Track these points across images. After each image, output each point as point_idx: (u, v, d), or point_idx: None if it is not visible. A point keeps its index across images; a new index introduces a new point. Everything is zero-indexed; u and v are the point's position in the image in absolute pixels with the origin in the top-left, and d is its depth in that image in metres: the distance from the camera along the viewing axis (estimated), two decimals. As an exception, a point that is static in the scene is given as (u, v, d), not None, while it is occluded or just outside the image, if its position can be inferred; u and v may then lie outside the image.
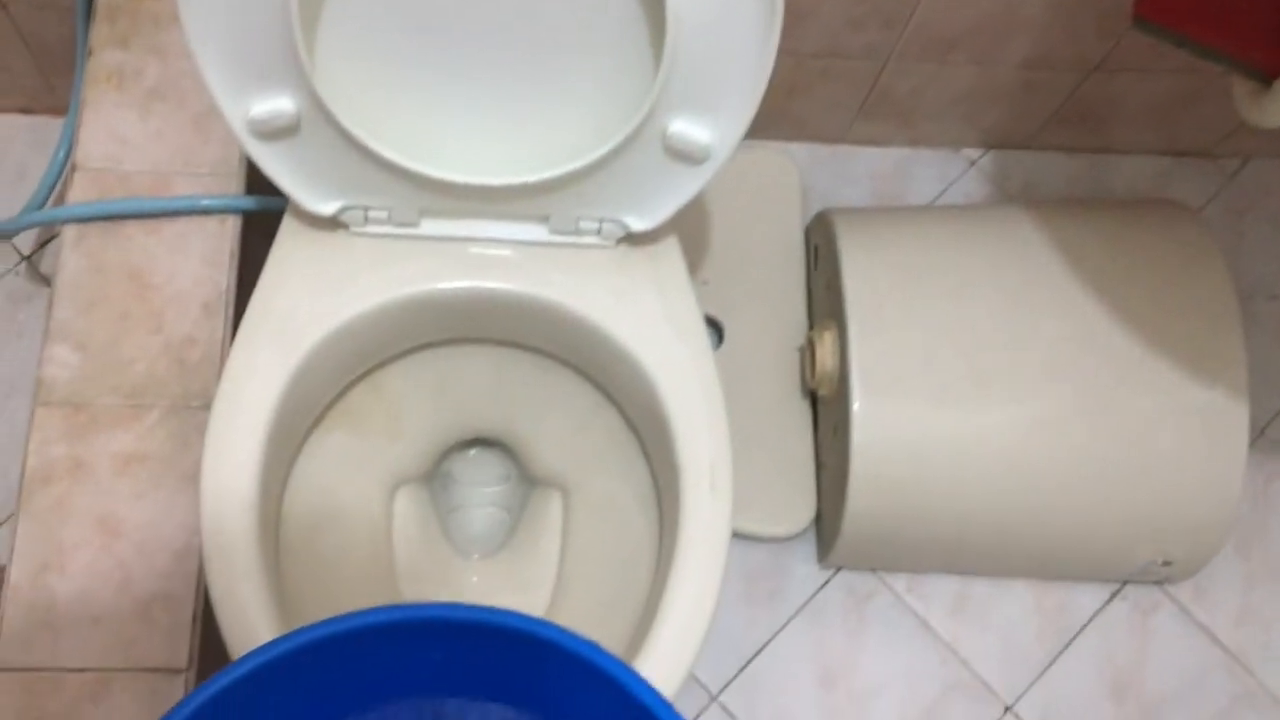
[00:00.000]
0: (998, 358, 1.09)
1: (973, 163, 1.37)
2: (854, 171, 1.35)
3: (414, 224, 0.87)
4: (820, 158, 1.35)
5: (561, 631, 0.69)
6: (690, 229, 1.26)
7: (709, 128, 0.80)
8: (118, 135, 1.01)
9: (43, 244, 1.24)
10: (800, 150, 1.35)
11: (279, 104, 0.77)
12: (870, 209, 1.30)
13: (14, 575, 0.90)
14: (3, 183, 1.26)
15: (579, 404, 0.98)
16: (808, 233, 1.29)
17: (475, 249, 0.89)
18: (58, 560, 0.90)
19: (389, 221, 0.87)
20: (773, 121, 1.30)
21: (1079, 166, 1.38)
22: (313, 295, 0.86)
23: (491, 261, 0.89)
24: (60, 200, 1.02)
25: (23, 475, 0.92)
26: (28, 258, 1.24)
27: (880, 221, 1.20)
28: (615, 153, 0.80)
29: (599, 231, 0.88)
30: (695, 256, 1.26)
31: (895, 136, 1.35)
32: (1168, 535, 1.13)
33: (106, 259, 0.98)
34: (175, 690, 0.88)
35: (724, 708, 1.16)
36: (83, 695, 0.87)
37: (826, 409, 1.19)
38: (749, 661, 1.18)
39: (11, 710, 0.86)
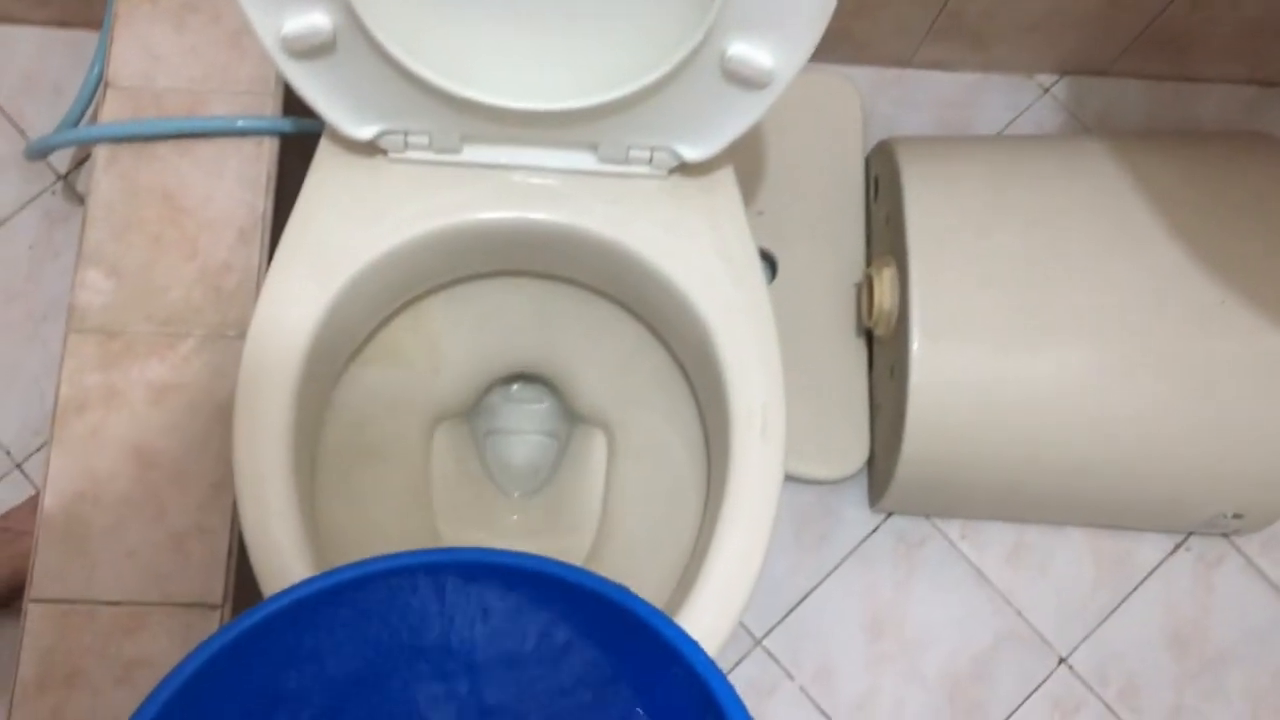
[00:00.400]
0: (1067, 298, 1.04)
1: (1046, 89, 1.30)
2: (919, 98, 1.29)
3: (455, 150, 0.83)
4: (884, 82, 1.29)
5: (598, 579, 0.67)
6: (745, 157, 1.20)
7: (771, 50, 0.74)
8: (151, 51, 0.97)
9: (79, 163, 1.21)
10: (862, 74, 1.28)
11: (313, 20, 0.72)
12: (935, 138, 1.24)
13: (48, 504, 0.88)
14: (39, 99, 1.23)
15: (625, 340, 0.94)
16: (868, 162, 1.23)
17: (519, 178, 0.84)
18: (92, 491, 0.89)
19: (429, 148, 0.82)
20: (835, 43, 1.23)
21: (1161, 95, 1.30)
22: (350, 224, 0.83)
23: (536, 191, 0.84)
24: (94, 119, 0.98)
25: (56, 403, 0.90)
26: (64, 177, 1.21)
27: (946, 152, 1.13)
28: (670, 77, 0.75)
29: (650, 161, 0.83)
30: (749, 186, 1.21)
31: (965, 60, 1.28)
32: (1240, 487, 1.08)
33: (139, 181, 0.95)
34: (210, 626, 0.87)
35: (768, 652, 1.13)
36: (116, 629, 0.86)
37: (883, 349, 1.15)
38: (795, 607, 1.15)
39: (46, 642, 0.85)
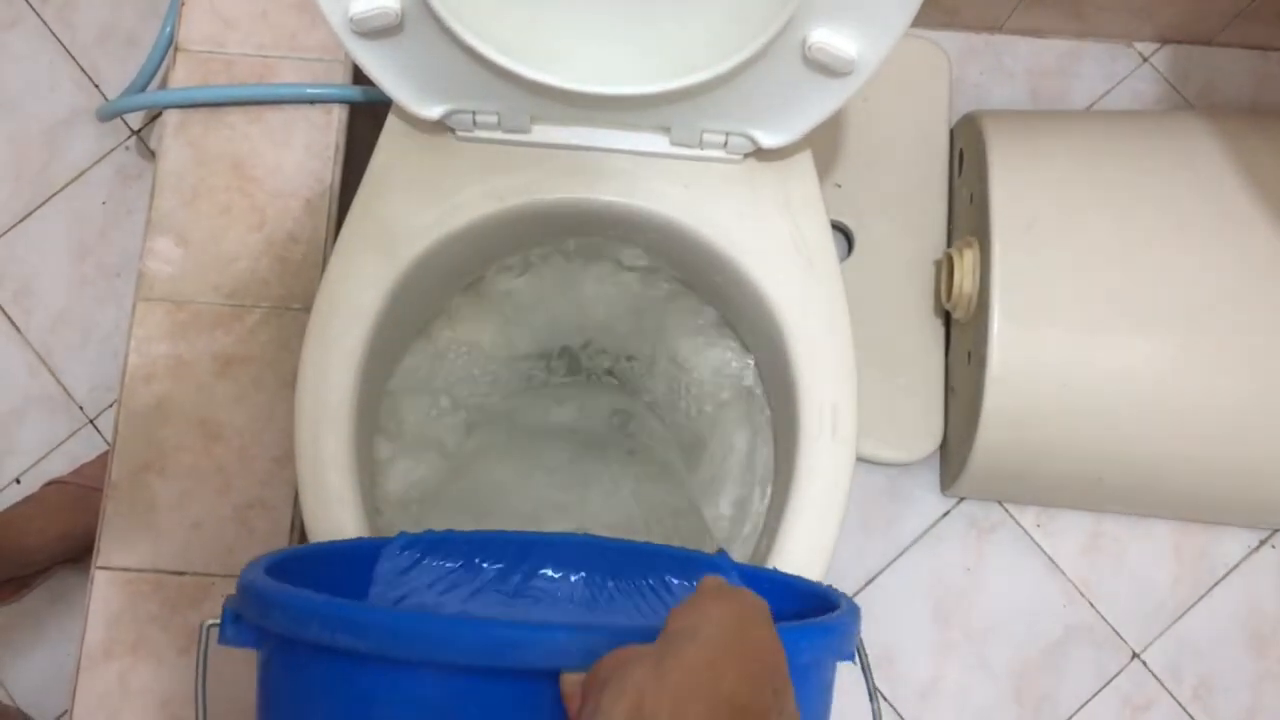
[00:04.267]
0: (1159, 286, 0.99)
1: (1146, 59, 1.23)
2: (1010, 66, 1.23)
3: (525, 130, 0.81)
4: (974, 49, 1.23)
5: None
6: (824, 127, 1.15)
7: (856, 37, 0.70)
8: (221, 15, 0.96)
9: (152, 118, 1.21)
10: (951, 40, 1.22)
11: (381, 0, 0.70)
12: (1026, 112, 1.18)
13: (115, 474, 0.89)
14: (114, 52, 1.22)
15: (694, 324, 0.91)
16: (954, 135, 1.19)
17: (589, 159, 0.82)
18: (159, 461, 0.89)
19: (498, 127, 0.80)
20: (923, 8, 1.16)
21: (1271, 67, 1.23)
22: (417, 203, 0.81)
23: (606, 173, 0.82)
24: (165, 81, 0.97)
25: (124, 371, 0.90)
26: (137, 133, 1.21)
27: (1036, 127, 1.08)
28: (748, 63, 0.72)
29: (725, 145, 0.80)
30: (827, 157, 1.16)
31: (1060, 27, 1.22)
32: (1332, 487, 1.03)
33: (208, 148, 0.94)
34: (272, 599, 0.87)
35: (831, 635, 1.12)
36: (181, 599, 0.87)
37: (961, 332, 1.11)
38: (859, 590, 1.13)
39: (112, 609, 0.86)
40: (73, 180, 1.20)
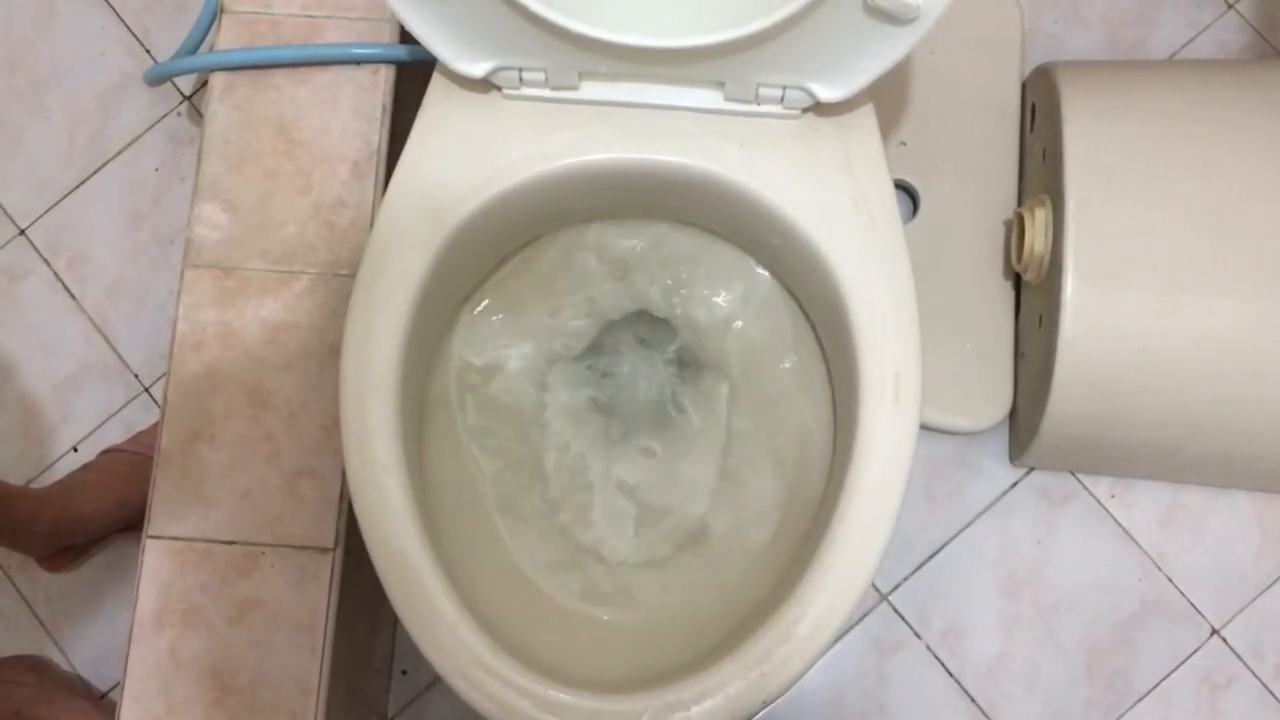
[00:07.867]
0: (1244, 245, 0.94)
1: (1231, 5, 1.17)
2: (1086, 14, 1.17)
3: (573, 88, 0.78)
4: (1047, -4, 1.18)
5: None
6: (887, 82, 1.11)
7: (919, -19, 0.66)
8: (267, -26, 0.94)
9: (203, 83, 1.20)
10: (1023, -13, 1.17)
11: (420, -48, 0.68)
12: (1101, 63, 1.13)
13: (165, 443, 0.88)
14: (164, 16, 1.21)
15: (749, 288, 0.88)
16: (1025, 89, 1.13)
17: (640, 117, 0.78)
18: (208, 429, 0.88)
19: (545, 85, 0.77)
20: (993, -45, 1.13)
21: (1365, 12, 1.16)
22: (462, 165, 0.78)
23: (657, 131, 0.78)
24: (213, 45, 0.96)
25: (173, 339, 0.89)
26: (189, 98, 1.20)
27: (1113, 78, 1.03)
28: (806, 11, 0.68)
29: (781, 100, 0.76)
30: (891, 113, 1.12)
31: (1139, -28, 1.16)
32: None
33: (254, 112, 0.92)
34: (322, 569, 0.86)
35: (894, 608, 1.09)
36: (231, 568, 0.86)
37: (1032, 295, 1.06)
38: (925, 562, 1.09)
39: (163, 578, 0.86)
40: (126, 147, 1.19)
